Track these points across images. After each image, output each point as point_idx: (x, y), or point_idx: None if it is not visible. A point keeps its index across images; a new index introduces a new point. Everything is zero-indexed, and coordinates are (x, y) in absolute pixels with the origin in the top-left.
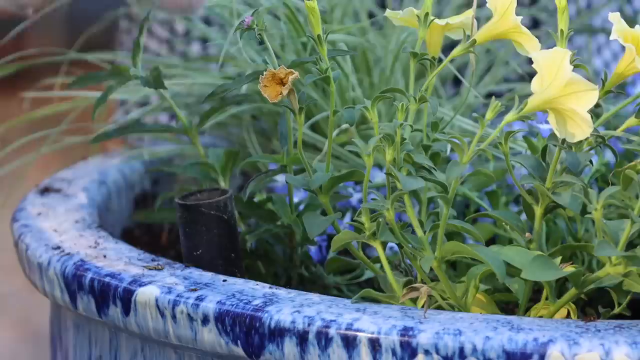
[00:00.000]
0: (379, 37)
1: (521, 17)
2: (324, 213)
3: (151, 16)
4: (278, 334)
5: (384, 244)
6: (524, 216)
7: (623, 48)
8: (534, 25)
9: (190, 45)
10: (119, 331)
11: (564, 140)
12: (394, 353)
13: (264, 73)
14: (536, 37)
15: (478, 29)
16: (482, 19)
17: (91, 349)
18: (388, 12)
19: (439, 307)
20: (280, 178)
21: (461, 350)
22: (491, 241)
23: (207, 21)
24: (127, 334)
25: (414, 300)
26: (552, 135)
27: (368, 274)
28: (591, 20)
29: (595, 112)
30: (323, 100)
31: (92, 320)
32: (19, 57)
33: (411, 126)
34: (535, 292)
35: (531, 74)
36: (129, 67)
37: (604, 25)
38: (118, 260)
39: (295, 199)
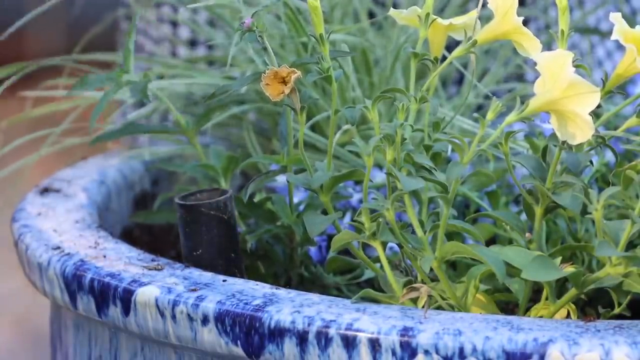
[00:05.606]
0: (379, 37)
1: (522, 17)
2: (324, 213)
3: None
4: (278, 334)
5: (384, 244)
6: (524, 216)
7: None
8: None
9: (188, 46)
10: (118, 331)
11: (564, 141)
12: (393, 353)
13: (266, 72)
14: None
15: (480, 29)
16: (483, 18)
17: (91, 349)
18: (392, 11)
19: (439, 307)
20: (281, 178)
21: (461, 350)
22: (491, 241)
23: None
24: (127, 334)
25: (414, 301)
26: (553, 136)
27: (368, 274)
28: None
29: (595, 112)
30: (323, 100)
31: (92, 320)
32: (20, 61)
33: (412, 126)
34: (535, 292)
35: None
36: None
37: (600, 19)
38: (118, 260)
39: (296, 199)
